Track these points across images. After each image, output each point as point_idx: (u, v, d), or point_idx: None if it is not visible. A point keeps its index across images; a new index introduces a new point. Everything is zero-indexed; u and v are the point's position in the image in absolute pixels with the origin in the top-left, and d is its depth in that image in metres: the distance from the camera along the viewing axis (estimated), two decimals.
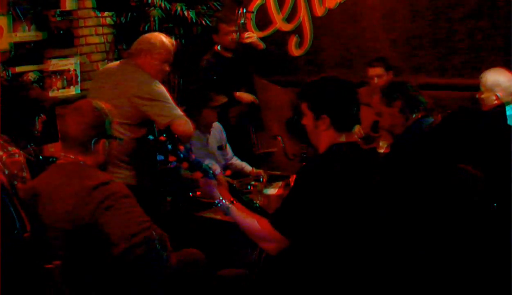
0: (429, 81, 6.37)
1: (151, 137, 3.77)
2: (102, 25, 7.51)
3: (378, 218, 3.32)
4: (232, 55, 6.89)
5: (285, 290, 3.38)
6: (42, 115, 4.48)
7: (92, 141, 3.53)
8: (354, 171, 3.32)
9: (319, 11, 7.22)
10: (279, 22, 7.50)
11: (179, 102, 5.00)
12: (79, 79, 7.20)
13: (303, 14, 7.32)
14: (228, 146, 6.05)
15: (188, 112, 5.13)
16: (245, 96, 6.82)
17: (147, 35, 5.12)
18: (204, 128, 5.73)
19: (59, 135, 4.57)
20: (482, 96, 5.21)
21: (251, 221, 3.41)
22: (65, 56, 7.10)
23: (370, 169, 3.42)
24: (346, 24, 7.10)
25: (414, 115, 4.60)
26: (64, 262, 3.31)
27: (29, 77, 6.69)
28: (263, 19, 7.50)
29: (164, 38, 5.05)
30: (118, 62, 5.29)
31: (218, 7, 7.59)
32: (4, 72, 6.46)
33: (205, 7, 7.56)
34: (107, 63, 7.29)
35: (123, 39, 7.35)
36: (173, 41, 5.19)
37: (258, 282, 3.61)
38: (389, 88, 4.73)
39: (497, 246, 3.98)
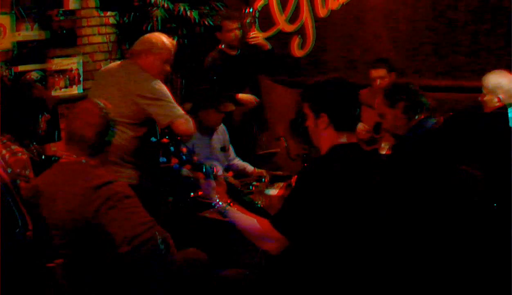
0: (431, 83, 6.38)
1: (154, 139, 3.78)
2: (105, 25, 7.52)
3: (379, 218, 3.33)
4: (236, 54, 6.91)
5: (287, 290, 3.39)
6: (46, 115, 4.49)
7: (104, 144, 3.55)
8: (355, 171, 3.33)
9: (322, 12, 7.23)
10: (281, 23, 7.50)
11: (182, 101, 5.01)
12: (81, 78, 7.22)
13: (306, 15, 7.32)
14: (230, 147, 6.05)
15: (194, 111, 5.12)
16: (246, 97, 6.82)
17: (148, 35, 5.13)
18: (208, 130, 5.73)
19: (62, 135, 4.58)
20: (484, 98, 5.21)
21: (250, 221, 3.41)
22: (68, 56, 7.11)
23: (371, 170, 3.42)
24: (349, 26, 7.11)
25: (416, 117, 4.59)
26: (66, 261, 3.31)
27: (32, 76, 6.70)
28: (265, 20, 7.50)
29: (164, 38, 5.06)
30: (119, 62, 5.31)
31: (221, 7, 7.59)
32: (7, 71, 6.47)
33: (208, 8, 7.57)
34: (110, 62, 7.29)
35: (126, 39, 7.36)
36: (174, 41, 5.20)
37: (260, 283, 3.61)
38: (392, 89, 4.73)
39: (497, 246, 3.98)
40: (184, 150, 3.47)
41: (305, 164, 5.34)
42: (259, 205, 4.77)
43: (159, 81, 4.90)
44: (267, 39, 7.26)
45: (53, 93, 6.82)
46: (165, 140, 3.44)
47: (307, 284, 3.30)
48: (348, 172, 3.29)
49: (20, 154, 4.16)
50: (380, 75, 6.28)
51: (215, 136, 5.84)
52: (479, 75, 5.51)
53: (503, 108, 4.99)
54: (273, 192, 5.14)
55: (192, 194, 4.97)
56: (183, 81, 7.49)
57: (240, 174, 5.87)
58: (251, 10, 7.04)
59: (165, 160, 3.43)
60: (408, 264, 3.60)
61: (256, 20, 7.49)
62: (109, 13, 7.48)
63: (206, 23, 7.42)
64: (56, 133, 5.56)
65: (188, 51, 7.39)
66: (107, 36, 7.54)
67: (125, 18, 7.39)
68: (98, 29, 7.47)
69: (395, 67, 6.41)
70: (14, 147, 4.19)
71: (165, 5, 7.23)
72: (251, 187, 5.30)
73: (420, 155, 4.41)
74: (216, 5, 7.59)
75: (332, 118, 3.35)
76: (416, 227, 3.90)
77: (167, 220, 4.37)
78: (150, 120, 4.86)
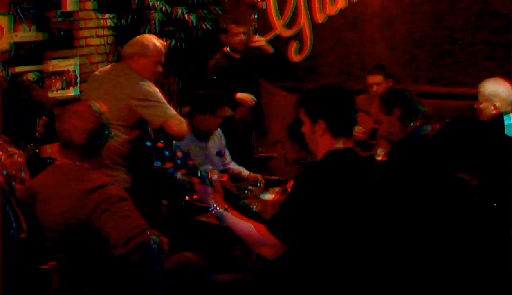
0: (427, 90, 6.39)
1: (148, 143, 3.77)
2: (103, 27, 7.52)
3: (374, 224, 3.33)
4: (240, 57, 6.93)
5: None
6: (44, 117, 4.48)
7: (97, 147, 3.54)
8: (351, 177, 3.33)
9: (320, 18, 7.24)
10: (279, 28, 7.51)
11: (179, 104, 5.02)
12: (78, 80, 7.22)
13: (303, 20, 7.33)
14: (226, 151, 6.05)
15: (191, 115, 5.12)
16: (243, 97, 6.83)
17: (139, 37, 5.15)
18: (204, 134, 5.72)
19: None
20: (481, 106, 5.22)
21: (247, 226, 3.42)
22: (65, 57, 7.12)
23: (367, 176, 3.43)
24: (346, 31, 7.12)
25: (412, 124, 4.60)
26: (60, 263, 3.31)
27: (29, 78, 6.69)
28: (263, 25, 7.50)
29: (155, 40, 5.08)
30: (111, 65, 5.33)
31: (219, 11, 7.61)
32: (3, 72, 6.47)
33: (205, 11, 7.58)
34: (107, 65, 7.30)
35: (123, 42, 7.31)
36: (165, 42, 5.22)
37: (255, 287, 3.61)
38: (389, 96, 4.73)
39: (494, 254, 3.98)
40: (179, 154, 3.47)
41: (301, 169, 5.35)
42: (254, 210, 4.77)
43: (150, 83, 4.92)
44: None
45: (50, 94, 6.82)
46: (159, 144, 3.44)
47: (302, 289, 3.30)
48: (343, 177, 3.29)
49: (16, 156, 4.15)
50: (376, 82, 6.29)
51: (211, 141, 5.84)
52: (475, 82, 5.52)
53: (499, 116, 4.99)
54: (268, 196, 5.14)
55: (187, 197, 4.96)
56: (180, 84, 7.49)
57: (235, 178, 5.87)
58: (255, 16, 7.05)
59: (160, 164, 3.43)
60: (400, 273, 3.60)
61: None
62: (106, 15, 7.48)
63: (204, 26, 7.44)
64: (53, 135, 5.57)
65: (186, 55, 7.40)
66: (105, 38, 7.55)
67: (122, 21, 7.39)
68: (96, 31, 7.47)
69: (392, 73, 6.42)
70: (11, 149, 4.18)
71: (163, 8, 7.24)
72: (246, 192, 5.29)
73: (415, 161, 4.40)
74: (214, 9, 7.60)
75: (329, 124, 3.35)
76: (410, 233, 3.90)
77: (162, 224, 4.38)
78: (143, 123, 4.87)
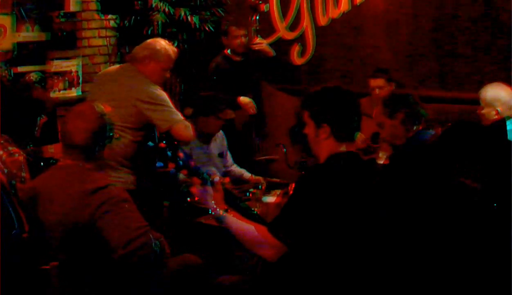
0: (430, 94, 6.38)
1: (151, 144, 3.77)
2: (106, 28, 7.53)
3: (376, 227, 3.33)
4: (241, 59, 6.94)
5: None
6: (43, 116, 4.48)
7: (97, 147, 3.54)
8: (353, 181, 3.33)
9: (323, 21, 7.23)
10: (282, 30, 7.50)
11: (181, 106, 5.02)
12: (80, 81, 7.22)
13: (306, 23, 7.32)
14: (228, 153, 6.05)
15: (194, 117, 5.12)
16: (246, 102, 6.83)
17: (151, 41, 5.13)
18: (206, 136, 5.72)
19: (60, 137, 4.57)
20: (482, 111, 5.21)
21: (248, 228, 3.41)
22: (68, 58, 7.12)
23: (369, 180, 3.42)
24: (349, 35, 7.12)
25: (415, 128, 4.61)
26: (61, 263, 3.31)
27: (31, 78, 6.68)
28: (266, 27, 7.50)
29: (167, 45, 5.08)
30: (118, 66, 5.33)
31: (222, 13, 7.60)
32: (6, 71, 6.47)
33: (208, 13, 7.57)
34: (109, 65, 7.30)
35: (126, 43, 7.36)
36: (175, 48, 5.20)
37: (255, 289, 3.60)
38: (392, 100, 4.74)
39: (493, 257, 3.98)
40: (181, 155, 3.47)
41: (303, 172, 5.34)
42: (255, 212, 4.76)
43: (158, 87, 4.92)
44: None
45: (52, 95, 6.81)
46: (162, 145, 3.44)
47: (303, 290, 3.29)
48: (346, 181, 3.29)
49: (16, 155, 4.16)
50: (379, 85, 6.29)
51: (213, 143, 5.84)
52: (478, 86, 5.51)
53: (501, 121, 4.99)
54: (270, 199, 5.13)
55: (188, 199, 4.96)
56: (182, 86, 7.49)
57: (237, 180, 5.87)
58: (257, 17, 7.05)
59: (162, 164, 3.43)
60: (401, 276, 3.60)
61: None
62: (109, 16, 7.49)
63: (207, 28, 7.43)
64: (53, 135, 5.57)
65: (188, 56, 7.39)
66: (107, 39, 7.55)
67: (125, 22, 7.38)
68: (99, 32, 7.47)
69: (394, 77, 6.41)
70: (11, 148, 4.19)
71: (166, 10, 7.23)
72: (248, 194, 5.29)
73: (417, 165, 4.40)
74: (217, 11, 7.60)
75: (334, 129, 3.34)
76: (412, 237, 3.90)
77: (163, 225, 4.37)
78: (149, 125, 4.86)
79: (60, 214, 3.37)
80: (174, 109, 4.87)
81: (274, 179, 5.88)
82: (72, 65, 7.14)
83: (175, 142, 4.35)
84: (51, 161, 4.50)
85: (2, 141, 4.21)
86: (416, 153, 4.51)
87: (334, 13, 7.14)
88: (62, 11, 7.01)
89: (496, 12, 6.23)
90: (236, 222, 3.46)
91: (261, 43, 7.04)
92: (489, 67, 6.28)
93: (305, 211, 3.22)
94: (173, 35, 7.17)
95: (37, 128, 4.45)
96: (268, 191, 5.34)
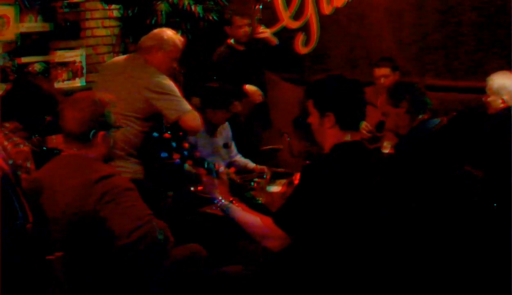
0: (435, 83, 6.36)
1: (155, 134, 3.76)
2: (109, 18, 7.52)
3: (381, 217, 3.32)
4: (244, 49, 6.92)
5: (287, 288, 3.38)
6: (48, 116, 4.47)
7: (90, 134, 3.51)
8: (359, 170, 3.32)
9: (327, 10, 7.21)
10: (286, 20, 7.48)
11: (185, 96, 5.01)
12: (84, 71, 7.22)
13: (310, 12, 7.30)
14: (233, 143, 6.05)
15: (201, 108, 5.12)
16: (252, 90, 6.82)
17: (158, 31, 5.14)
18: (212, 126, 5.72)
19: None
20: (488, 99, 5.20)
21: (253, 218, 3.41)
22: (71, 48, 7.12)
23: (374, 169, 3.41)
24: (353, 24, 7.10)
25: (420, 117, 4.59)
26: (65, 254, 3.31)
27: (35, 68, 6.70)
28: (270, 16, 7.48)
29: (174, 35, 5.10)
30: (125, 56, 5.34)
31: (225, 2, 7.59)
32: (9, 62, 6.47)
33: (212, 3, 7.56)
34: (113, 56, 7.31)
35: (130, 33, 7.35)
36: (182, 38, 5.21)
37: (260, 279, 3.60)
38: (396, 88, 4.73)
39: (498, 245, 3.97)
40: (186, 145, 3.46)
41: (307, 162, 5.33)
42: (260, 202, 4.76)
43: (166, 76, 4.93)
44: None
45: (56, 85, 6.81)
46: (167, 135, 3.42)
47: (308, 281, 3.29)
48: (351, 170, 3.28)
49: (21, 145, 4.15)
50: (383, 74, 6.27)
51: (218, 133, 5.84)
52: (483, 75, 5.49)
53: (507, 110, 4.98)
54: (274, 189, 5.12)
55: (192, 189, 4.96)
56: (186, 76, 7.48)
57: (241, 170, 5.86)
58: (260, 6, 7.03)
59: (166, 155, 3.42)
60: (410, 263, 3.59)
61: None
62: (113, 6, 7.48)
63: (210, 18, 7.42)
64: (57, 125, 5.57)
65: (192, 46, 7.37)
66: (111, 29, 7.55)
67: (129, 12, 7.37)
68: (102, 22, 7.47)
69: (399, 66, 6.39)
70: (16, 138, 4.18)
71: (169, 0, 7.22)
72: (252, 184, 5.28)
73: (422, 154, 4.40)
74: (221, 0, 7.58)
75: (339, 118, 3.33)
76: (417, 226, 3.89)
77: (167, 215, 4.37)
78: (157, 115, 4.88)
79: (64, 204, 3.36)
80: (182, 99, 4.89)
81: (279, 169, 5.87)
82: (75, 56, 7.14)
83: (180, 133, 4.34)
84: (54, 151, 4.49)
85: (7, 132, 4.20)
86: (421, 142, 4.50)
87: (339, 2, 7.12)
88: (66, 1, 7.01)
89: (502, 1, 6.20)
90: (241, 213, 3.46)
91: (265, 32, 7.03)
92: (494, 56, 6.25)
93: (311, 201, 3.21)
94: (176, 24, 7.15)
95: (42, 124, 4.43)
96: (272, 180, 5.33)
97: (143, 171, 4.88)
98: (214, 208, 3.67)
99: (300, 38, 7.43)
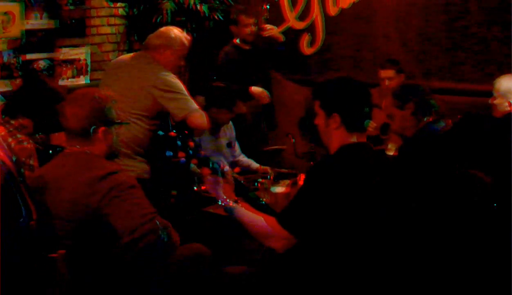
0: (440, 85, 6.35)
1: (161, 132, 3.76)
2: (114, 16, 7.51)
3: (385, 219, 3.31)
4: (250, 48, 6.91)
5: (290, 288, 3.38)
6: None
7: (91, 130, 3.51)
8: (364, 172, 3.31)
9: (333, 11, 7.20)
10: (291, 20, 7.47)
11: (191, 94, 5.01)
12: (89, 69, 7.22)
13: (316, 12, 7.29)
14: (236, 143, 6.04)
15: (206, 107, 5.13)
16: (258, 91, 6.80)
17: (164, 30, 5.16)
18: (216, 126, 5.70)
19: None
20: (495, 102, 5.18)
21: (257, 219, 3.41)
22: (76, 46, 7.11)
23: (379, 171, 3.40)
24: (359, 25, 7.08)
25: (425, 119, 4.58)
26: (69, 251, 3.30)
27: (40, 66, 6.69)
28: (276, 16, 7.47)
29: (181, 33, 5.13)
30: (132, 54, 5.37)
31: (231, 2, 7.58)
32: (14, 59, 6.46)
33: (218, 2, 7.56)
34: (118, 54, 7.30)
35: (135, 31, 7.36)
36: (188, 36, 5.22)
37: (264, 279, 3.59)
38: (402, 90, 4.72)
39: (501, 247, 3.96)
40: (191, 144, 3.46)
41: (312, 163, 5.33)
42: (264, 202, 4.75)
43: (173, 75, 4.95)
44: None
45: (60, 83, 6.82)
46: (172, 134, 3.42)
47: (311, 281, 3.29)
48: (357, 172, 3.27)
49: (25, 142, 4.15)
50: (388, 76, 6.26)
51: (222, 132, 5.83)
52: (489, 78, 5.48)
53: None
54: (279, 189, 5.11)
55: (195, 188, 4.96)
56: (191, 75, 7.48)
57: (244, 170, 5.86)
58: (267, 6, 7.02)
59: (172, 154, 3.42)
60: (412, 265, 3.58)
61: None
62: (118, 4, 7.48)
63: (216, 17, 7.42)
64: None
65: (197, 45, 7.37)
66: (116, 27, 7.53)
67: (134, 10, 7.38)
68: (107, 20, 7.46)
69: (404, 68, 6.38)
70: (20, 135, 4.18)
71: None
72: (256, 184, 5.27)
73: (427, 157, 4.38)
74: (227, 0, 7.58)
75: (345, 119, 3.33)
76: (421, 228, 3.88)
77: (171, 214, 4.36)
78: (163, 113, 4.89)
79: (68, 202, 3.36)
80: (189, 98, 4.90)
81: (282, 169, 5.86)
82: (80, 53, 7.14)
83: (186, 132, 4.35)
84: (57, 149, 4.48)
85: (11, 129, 4.20)
86: (426, 144, 4.49)
87: (344, 3, 7.10)
88: None
89: (508, 4, 6.18)
90: (246, 213, 3.46)
91: (272, 29, 7.01)
92: (500, 59, 6.23)
93: (315, 203, 3.20)
94: (182, 23, 7.14)
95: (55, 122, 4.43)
96: (276, 181, 5.32)
97: (150, 170, 4.87)
98: (217, 207, 3.65)
99: (305, 38, 7.42)
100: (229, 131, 5.94)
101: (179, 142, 3.41)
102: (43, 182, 3.48)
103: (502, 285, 3.79)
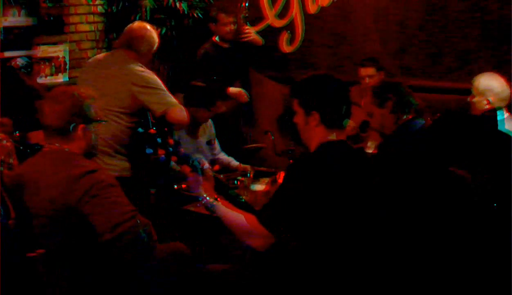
0: (420, 83, 6.37)
1: (140, 130, 3.74)
2: (93, 14, 7.48)
3: (366, 217, 3.32)
4: (229, 46, 6.90)
5: (271, 286, 3.37)
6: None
7: (70, 127, 3.49)
8: (344, 170, 3.31)
9: (312, 9, 7.20)
10: (271, 18, 7.47)
11: (171, 93, 5.01)
12: (67, 66, 7.18)
13: (295, 10, 7.29)
14: (216, 141, 6.03)
15: (185, 105, 5.14)
16: (236, 92, 6.80)
17: (134, 26, 5.17)
18: (195, 124, 5.69)
19: None
20: (474, 100, 5.21)
21: (237, 217, 3.41)
22: (55, 43, 7.07)
23: (359, 168, 3.41)
24: (339, 23, 7.09)
25: (404, 117, 4.60)
26: (48, 250, 3.28)
27: (17, 63, 6.64)
28: (255, 14, 7.46)
29: (150, 28, 5.16)
30: (109, 52, 5.37)
31: (211, 0, 7.57)
32: None
33: (197, 0, 7.54)
34: (97, 51, 7.27)
35: (114, 29, 7.32)
36: (155, 29, 5.26)
37: (244, 278, 3.59)
38: (381, 88, 4.73)
39: (489, 247, 3.98)
40: (171, 141, 3.44)
41: (291, 161, 5.33)
42: (243, 200, 4.75)
43: (151, 71, 4.98)
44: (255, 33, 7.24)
45: (39, 80, 6.77)
46: (152, 131, 3.41)
47: (291, 279, 3.28)
48: (336, 170, 3.27)
49: (4, 141, 4.13)
50: (368, 74, 6.26)
51: (201, 130, 5.82)
52: (468, 76, 5.50)
53: (492, 111, 4.98)
54: (258, 187, 5.13)
55: (175, 186, 4.94)
56: (170, 72, 7.46)
57: (224, 168, 5.85)
58: (246, 4, 7.02)
59: (151, 151, 3.40)
60: (389, 263, 3.59)
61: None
62: (97, 1, 7.46)
63: (195, 15, 7.41)
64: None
65: (176, 43, 7.36)
66: (95, 25, 7.51)
67: (113, 8, 7.35)
68: (86, 18, 7.43)
69: (384, 66, 6.40)
70: None
71: None
72: (236, 182, 5.28)
73: (406, 155, 4.40)
74: None
75: (324, 117, 3.33)
76: (400, 225, 3.90)
77: (150, 213, 4.34)
78: (143, 110, 4.90)
79: (46, 200, 3.33)
80: (168, 93, 4.92)
81: (262, 168, 5.86)
82: (59, 51, 7.10)
83: (165, 129, 4.33)
84: (36, 147, 4.46)
85: None
86: (406, 142, 4.50)
87: (324, 1, 7.11)
88: None
89: (486, 1, 6.22)
90: (226, 211, 3.46)
91: (250, 33, 7.01)
92: (479, 57, 6.26)
93: (295, 201, 3.20)
94: (161, 21, 7.13)
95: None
96: (256, 179, 5.33)
97: (130, 168, 4.87)
98: (198, 205, 3.65)
99: (285, 36, 7.42)
100: (208, 129, 5.93)
101: (159, 140, 3.39)
102: (22, 180, 3.45)
103: (503, 285, 3.81)
